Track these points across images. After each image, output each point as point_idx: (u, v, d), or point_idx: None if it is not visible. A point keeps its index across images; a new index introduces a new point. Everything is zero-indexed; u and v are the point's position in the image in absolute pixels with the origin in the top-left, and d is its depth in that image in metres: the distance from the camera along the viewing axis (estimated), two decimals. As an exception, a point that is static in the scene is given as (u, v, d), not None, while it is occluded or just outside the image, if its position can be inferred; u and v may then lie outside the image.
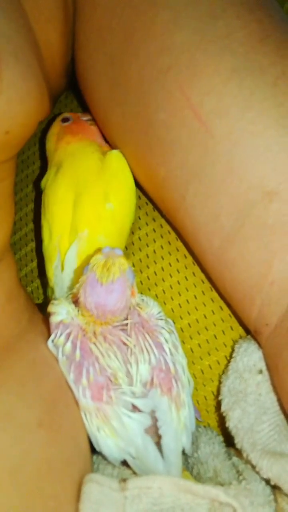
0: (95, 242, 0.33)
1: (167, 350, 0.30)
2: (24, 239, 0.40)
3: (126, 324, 0.30)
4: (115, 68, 0.31)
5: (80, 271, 0.31)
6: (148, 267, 0.36)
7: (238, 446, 0.29)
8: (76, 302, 0.30)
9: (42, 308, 0.34)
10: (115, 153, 0.34)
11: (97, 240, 0.33)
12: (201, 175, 0.29)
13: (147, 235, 0.36)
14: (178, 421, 0.29)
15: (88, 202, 0.33)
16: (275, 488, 0.28)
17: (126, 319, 0.30)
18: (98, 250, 0.30)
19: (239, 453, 0.30)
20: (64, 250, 0.33)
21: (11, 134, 0.29)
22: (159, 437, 0.28)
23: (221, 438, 0.33)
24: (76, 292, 0.30)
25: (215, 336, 0.34)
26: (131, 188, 0.34)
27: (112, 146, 0.36)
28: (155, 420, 0.28)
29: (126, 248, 0.37)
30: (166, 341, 0.30)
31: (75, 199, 0.33)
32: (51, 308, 0.30)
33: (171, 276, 0.35)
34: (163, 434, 0.28)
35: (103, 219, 0.33)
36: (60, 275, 0.33)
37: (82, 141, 0.35)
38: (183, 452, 0.30)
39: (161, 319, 0.31)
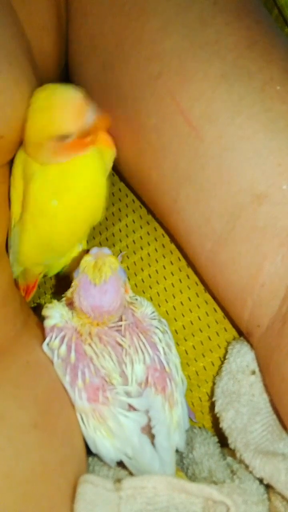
0: (35, 232, 0.32)
1: (161, 350, 0.30)
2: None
3: (121, 325, 0.30)
4: (107, 74, 0.32)
5: (23, 257, 0.31)
6: (142, 269, 0.36)
7: (232, 446, 0.30)
8: (70, 305, 0.30)
9: (36, 311, 0.34)
10: (87, 156, 0.31)
11: (38, 231, 0.32)
12: (192, 179, 0.29)
13: (141, 238, 0.37)
14: (171, 419, 0.29)
15: (32, 196, 0.31)
16: (268, 487, 0.29)
17: (121, 320, 0.30)
18: (86, 252, 0.30)
19: (233, 453, 0.30)
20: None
21: (5, 139, 0.29)
22: (153, 436, 0.29)
23: (215, 439, 0.33)
24: (70, 296, 0.30)
25: (209, 338, 0.34)
26: (87, 187, 0.31)
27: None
28: (149, 419, 0.29)
29: (120, 251, 0.37)
30: (160, 340, 0.30)
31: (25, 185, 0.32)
32: (45, 312, 0.30)
33: (165, 279, 0.36)
34: (156, 432, 0.28)
35: (46, 215, 0.31)
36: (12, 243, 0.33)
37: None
38: (177, 451, 0.30)
39: (155, 319, 0.31)
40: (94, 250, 0.29)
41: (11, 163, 0.34)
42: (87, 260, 0.29)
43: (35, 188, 0.31)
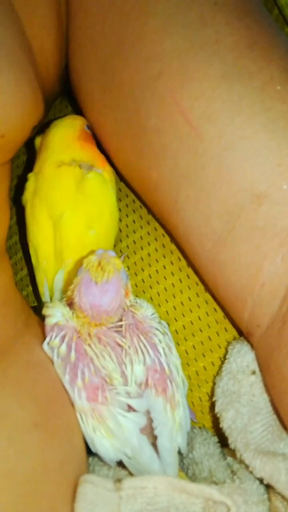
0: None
1: (161, 351, 0.30)
2: (20, 243, 0.40)
3: (121, 326, 0.30)
4: (107, 74, 0.32)
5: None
6: (142, 270, 0.36)
7: (232, 446, 0.30)
8: (70, 304, 0.30)
9: (37, 311, 0.34)
10: (93, 176, 0.33)
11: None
12: (192, 178, 0.29)
13: (141, 238, 0.37)
14: (173, 421, 0.29)
15: (70, 230, 0.32)
16: (268, 487, 0.29)
17: (121, 320, 0.30)
18: (91, 252, 0.30)
19: (233, 453, 0.30)
20: (51, 275, 0.33)
21: (6, 138, 0.29)
22: (155, 437, 0.29)
23: (216, 439, 0.33)
24: (70, 294, 0.30)
25: (210, 338, 0.34)
26: (112, 211, 0.34)
27: (106, 152, 0.36)
28: (150, 420, 0.29)
29: (121, 251, 0.37)
30: (160, 342, 0.30)
31: (54, 225, 0.33)
32: (46, 311, 0.30)
33: (165, 279, 0.36)
34: (158, 434, 0.28)
35: (87, 246, 0.32)
36: (48, 298, 0.34)
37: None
38: (179, 452, 0.30)
39: (155, 321, 0.31)
40: (99, 251, 0.29)
41: (11, 161, 0.34)
42: (91, 259, 0.29)
43: (67, 226, 0.32)
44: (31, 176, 0.34)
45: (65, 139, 0.34)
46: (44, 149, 0.34)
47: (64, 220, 0.32)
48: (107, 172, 0.34)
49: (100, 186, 0.33)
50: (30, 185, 0.34)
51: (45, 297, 0.34)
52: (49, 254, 0.33)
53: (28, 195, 0.34)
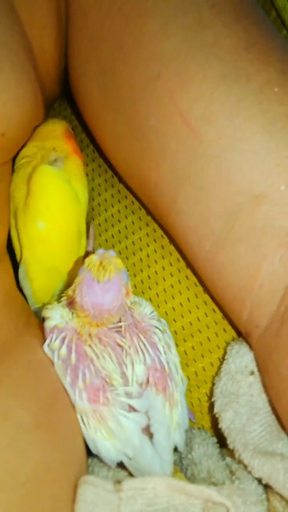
0: (39, 264, 0.33)
1: (161, 349, 0.30)
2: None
3: (120, 326, 0.30)
4: (106, 75, 0.32)
5: (39, 293, 0.32)
6: (141, 271, 0.36)
7: (231, 446, 0.30)
8: (71, 304, 0.30)
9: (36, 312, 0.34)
10: (41, 169, 0.32)
11: (40, 261, 0.33)
12: (191, 179, 0.29)
13: (140, 239, 0.37)
14: (171, 419, 0.29)
15: (22, 225, 0.32)
16: (267, 487, 0.29)
17: (120, 321, 0.30)
18: (91, 252, 0.30)
19: (232, 453, 0.30)
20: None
21: (6, 137, 0.29)
22: (151, 435, 0.29)
23: (214, 439, 0.33)
24: (71, 293, 0.30)
25: (209, 339, 0.34)
26: (63, 205, 0.33)
27: (104, 152, 0.36)
28: (148, 419, 0.29)
29: (120, 253, 0.37)
30: (160, 340, 0.30)
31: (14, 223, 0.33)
32: (45, 313, 0.30)
33: (164, 280, 0.36)
34: (155, 431, 0.28)
35: (39, 240, 0.32)
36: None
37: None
38: (176, 451, 0.30)
39: (154, 319, 0.31)
40: (100, 251, 0.29)
41: (11, 161, 0.34)
42: (92, 258, 0.29)
43: (21, 220, 0.32)
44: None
45: (54, 131, 0.36)
46: (31, 137, 0.35)
47: (17, 216, 0.32)
48: (77, 166, 0.35)
49: (48, 179, 0.32)
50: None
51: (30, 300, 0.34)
52: (18, 252, 0.34)
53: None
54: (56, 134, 0.36)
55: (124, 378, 0.29)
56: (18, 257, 0.34)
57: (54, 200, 0.33)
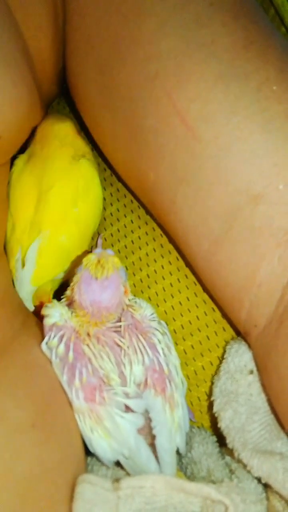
0: (56, 242, 0.34)
1: (160, 351, 0.30)
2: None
3: (120, 326, 0.30)
4: (104, 75, 0.32)
5: (42, 270, 0.32)
6: (141, 269, 0.36)
7: (230, 445, 0.30)
8: (70, 304, 0.31)
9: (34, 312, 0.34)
10: (86, 161, 0.35)
11: (59, 240, 0.34)
12: (189, 179, 0.29)
13: (139, 238, 0.37)
14: (172, 421, 0.29)
15: (55, 203, 0.33)
16: (267, 486, 0.29)
17: (119, 321, 0.30)
18: (89, 252, 0.30)
19: (231, 452, 0.30)
20: (26, 246, 0.34)
21: (3, 139, 0.29)
22: (153, 437, 0.29)
23: (214, 438, 0.33)
24: (70, 293, 0.30)
25: (208, 338, 0.34)
26: (97, 196, 0.35)
27: (103, 151, 0.36)
28: (148, 420, 0.29)
29: (119, 251, 0.37)
30: (159, 342, 0.30)
31: (39, 197, 0.34)
32: (44, 311, 0.30)
33: (163, 279, 0.36)
34: (157, 434, 0.28)
35: (67, 221, 0.34)
36: (20, 270, 0.34)
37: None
38: (177, 452, 0.30)
39: (154, 321, 0.31)
40: (98, 250, 0.30)
41: (9, 162, 0.34)
42: (90, 257, 0.29)
43: (54, 198, 0.33)
44: (22, 156, 0.35)
45: (70, 133, 0.37)
46: (45, 139, 0.36)
47: (52, 193, 0.33)
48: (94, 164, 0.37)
49: (91, 170, 0.35)
50: (19, 162, 0.35)
51: (16, 269, 0.34)
52: (27, 224, 0.34)
53: (16, 169, 0.35)
54: (72, 133, 0.37)
55: (122, 378, 0.29)
56: (13, 228, 0.34)
57: (93, 190, 0.35)
